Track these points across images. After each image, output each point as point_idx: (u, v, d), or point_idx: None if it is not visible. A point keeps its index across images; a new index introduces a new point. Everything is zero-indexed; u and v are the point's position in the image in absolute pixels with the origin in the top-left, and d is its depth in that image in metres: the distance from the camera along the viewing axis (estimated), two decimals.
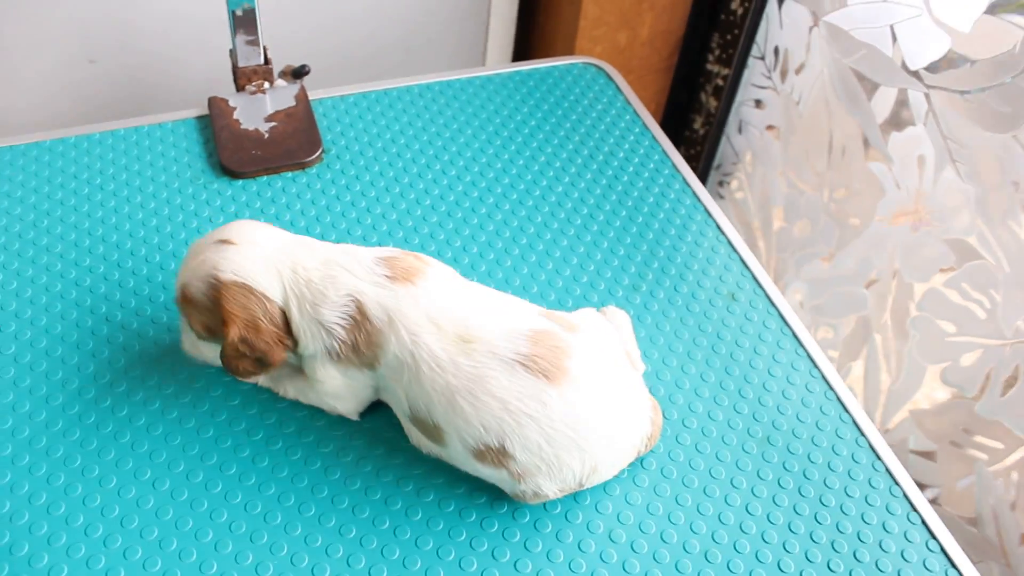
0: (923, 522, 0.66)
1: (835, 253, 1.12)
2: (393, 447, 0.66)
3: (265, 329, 0.61)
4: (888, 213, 1.02)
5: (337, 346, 0.62)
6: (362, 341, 0.61)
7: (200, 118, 0.91)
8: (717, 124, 1.25)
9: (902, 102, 0.98)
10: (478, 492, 0.64)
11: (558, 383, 0.58)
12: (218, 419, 0.66)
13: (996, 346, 0.92)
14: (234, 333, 0.60)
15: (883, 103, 1.00)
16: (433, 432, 0.61)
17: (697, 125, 1.30)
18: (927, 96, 0.94)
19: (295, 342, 0.62)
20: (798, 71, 1.11)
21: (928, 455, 1.02)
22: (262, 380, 0.69)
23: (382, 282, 0.61)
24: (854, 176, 1.06)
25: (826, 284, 1.14)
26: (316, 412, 0.68)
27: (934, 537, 0.65)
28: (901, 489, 0.68)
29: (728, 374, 0.74)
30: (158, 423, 0.66)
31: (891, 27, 0.96)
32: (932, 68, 0.93)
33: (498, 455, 0.59)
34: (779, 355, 0.76)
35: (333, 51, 1.16)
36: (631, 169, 0.90)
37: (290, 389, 0.68)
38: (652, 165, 0.91)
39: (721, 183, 1.31)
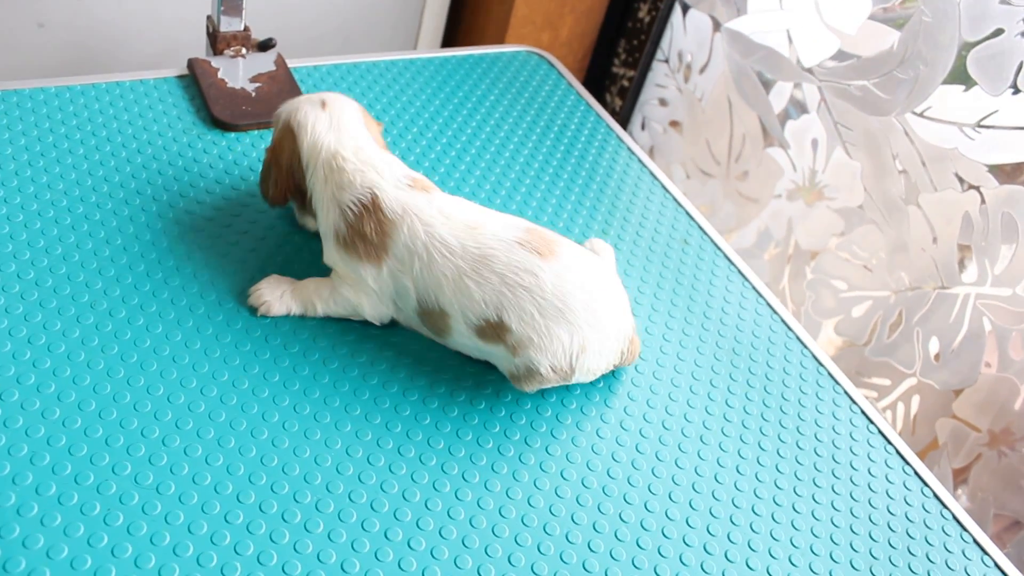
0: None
1: (735, 231, 1.28)
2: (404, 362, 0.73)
3: (283, 168, 0.74)
4: (785, 191, 1.19)
5: (345, 229, 0.70)
6: (371, 229, 0.69)
7: (180, 77, 0.93)
8: (621, 122, 1.39)
9: (797, 94, 1.15)
10: (477, 398, 0.72)
11: (549, 259, 0.68)
12: (242, 351, 0.70)
13: (883, 297, 1.10)
14: (267, 155, 0.76)
15: (779, 95, 1.18)
16: (439, 320, 0.70)
17: None
18: (820, 88, 1.11)
19: (313, 213, 0.73)
20: (701, 71, 1.28)
21: None
22: (295, 309, 0.73)
23: (402, 186, 0.71)
24: (754, 161, 1.23)
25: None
26: (342, 335, 0.73)
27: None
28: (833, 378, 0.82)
29: (691, 305, 0.86)
30: (153, 359, 0.69)
31: (787, 31, 1.13)
32: (824, 65, 1.10)
33: (497, 329, 0.68)
34: (731, 288, 0.88)
35: (278, 24, 1.21)
36: (580, 145, 1.01)
37: (319, 306, 0.73)
38: (599, 140, 1.02)
39: None
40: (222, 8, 0.92)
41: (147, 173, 0.82)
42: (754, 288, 0.90)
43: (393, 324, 0.74)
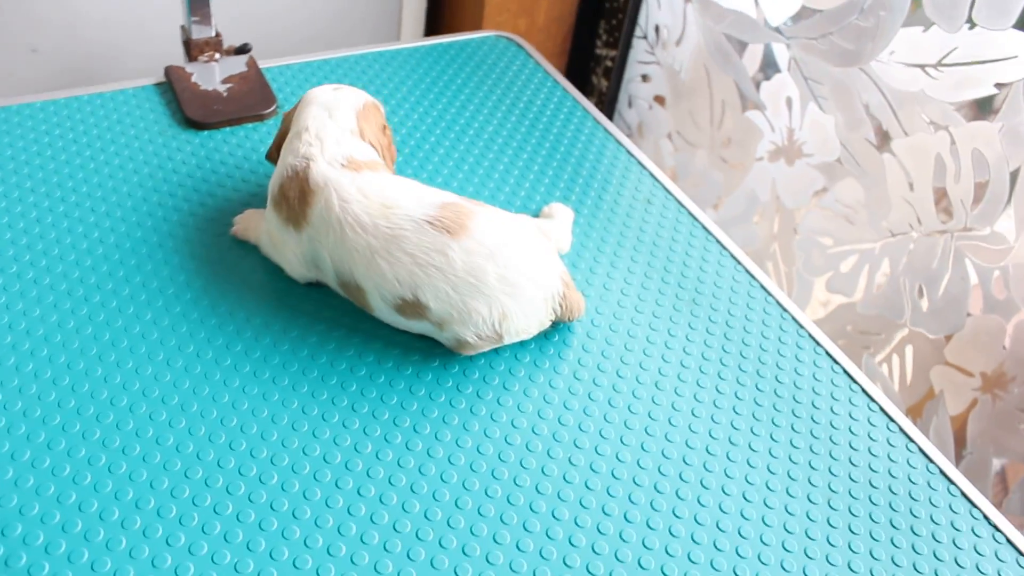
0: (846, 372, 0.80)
1: (723, 199, 1.29)
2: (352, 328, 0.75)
3: (282, 131, 0.81)
4: (766, 153, 1.20)
5: (278, 189, 0.75)
6: (294, 195, 0.73)
7: (158, 85, 0.98)
8: (609, 102, 1.41)
9: (767, 55, 1.16)
10: (429, 358, 0.74)
11: (458, 237, 0.69)
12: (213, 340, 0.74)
13: (868, 248, 1.09)
14: (283, 122, 0.82)
15: (752, 59, 1.18)
16: (358, 294, 0.73)
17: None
18: (788, 46, 1.12)
19: None
20: (677, 43, 1.29)
21: None
22: (251, 240, 0.81)
23: (335, 162, 0.74)
24: (734, 126, 1.23)
25: (720, 226, 1.30)
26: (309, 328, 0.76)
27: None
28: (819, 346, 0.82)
29: (650, 264, 0.87)
30: (145, 361, 0.73)
31: None
32: (789, 23, 1.11)
33: (415, 307, 0.70)
34: (693, 245, 0.90)
35: (263, 30, 1.26)
36: (555, 129, 1.03)
37: (262, 238, 0.79)
38: (573, 121, 1.04)
39: None
40: (193, 18, 0.97)
41: (123, 173, 0.86)
42: (717, 241, 0.90)
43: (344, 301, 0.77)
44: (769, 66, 1.16)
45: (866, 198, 1.07)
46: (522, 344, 0.76)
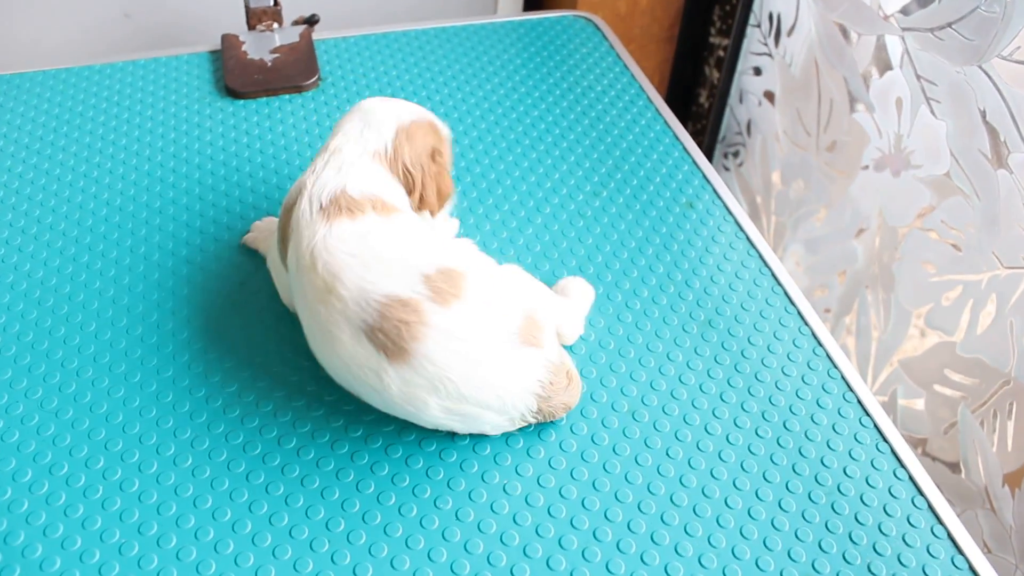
0: (901, 463, 0.66)
1: (827, 209, 1.14)
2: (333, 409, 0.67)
3: None
4: (872, 160, 1.04)
5: (282, 209, 0.67)
6: (284, 226, 0.65)
7: (214, 52, 0.99)
8: (720, 96, 1.29)
9: (881, 49, 1.00)
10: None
11: (396, 361, 0.57)
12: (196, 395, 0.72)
13: (974, 281, 0.92)
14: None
15: (864, 52, 1.03)
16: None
17: (703, 99, 1.34)
18: (902, 39, 0.96)
19: None
20: (789, 33, 1.15)
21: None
22: (251, 241, 0.76)
23: (314, 205, 0.62)
24: (841, 128, 1.09)
25: (819, 242, 1.16)
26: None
27: (920, 492, 0.64)
28: (853, 392, 0.70)
29: (670, 277, 0.77)
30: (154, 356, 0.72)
31: None
32: (905, 11, 0.95)
33: (360, 397, 0.62)
34: (730, 254, 0.79)
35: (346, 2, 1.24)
36: (614, 113, 0.94)
37: (269, 253, 0.74)
38: (636, 111, 0.95)
39: (726, 155, 1.34)
40: None
41: (150, 138, 0.87)
42: (759, 255, 0.79)
43: None
44: (881, 63, 1.01)
45: (975, 221, 0.91)
46: None
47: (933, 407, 0.99)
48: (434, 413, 0.59)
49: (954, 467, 0.97)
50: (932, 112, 0.94)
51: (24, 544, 0.56)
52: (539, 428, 0.64)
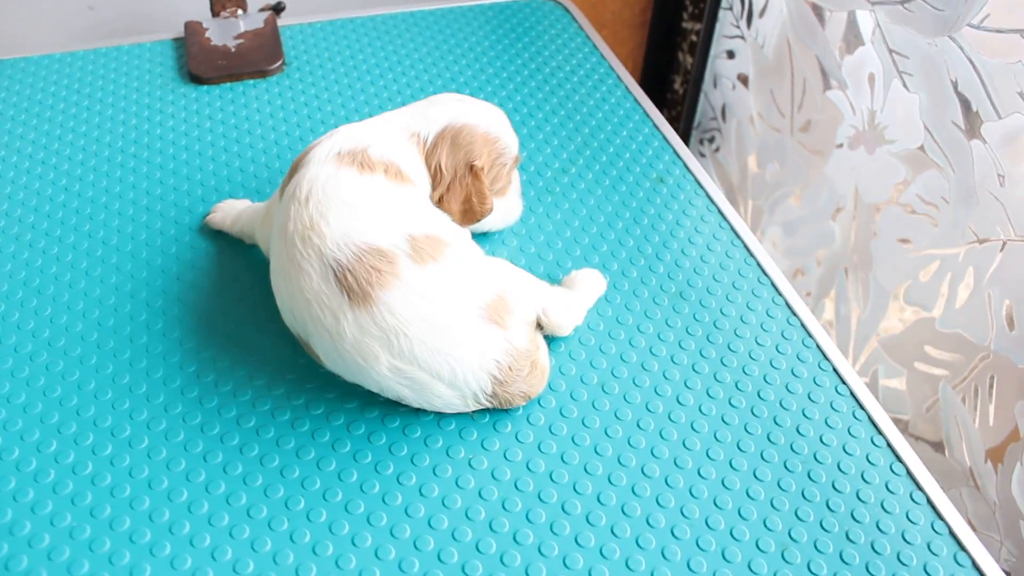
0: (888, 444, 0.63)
1: (803, 190, 1.13)
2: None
3: None
4: (846, 139, 1.03)
5: (292, 167, 0.66)
6: (294, 168, 0.65)
7: (177, 39, 0.97)
8: (694, 82, 1.28)
9: (852, 25, 1.00)
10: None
11: (356, 306, 0.57)
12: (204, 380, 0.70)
13: (951, 255, 0.91)
14: None
15: (835, 30, 1.02)
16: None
17: (677, 85, 1.33)
18: (873, 13, 0.95)
19: None
20: (761, 15, 1.14)
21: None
22: (227, 225, 0.74)
23: (331, 153, 0.63)
24: (815, 107, 1.08)
25: (797, 224, 1.14)
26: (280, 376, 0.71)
27: (899, 460, 0.62)
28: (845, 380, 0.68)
29: (640, 250, 0.76)
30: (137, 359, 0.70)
31: None
32: None
33: (308, 348, 0.60)
34: (702, 227, 0.77)
35: None
36: (583, 92, 0.93)
37: (237, 226, 0.73)
38: (605, 89, 0.94)
39: (702, 141, 1.33)
40: None
41: (111, 124, 0.86)
42: (732, 227, 0.78)
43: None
44: (852, 39, 1.00)
45: (950, 193, 0.90)
46: None
47: (914, 386, 0.98)
48: (383, 371, 0.58)
49: (937, 446, 0.96)
50: (905, 85, 0.93)
51: (27, 571, 0.54)
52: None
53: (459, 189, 0.67)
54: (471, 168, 0.67)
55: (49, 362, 0.63)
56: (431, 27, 1.01)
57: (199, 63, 0.92)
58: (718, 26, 1.23)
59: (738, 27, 1.19)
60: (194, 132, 0.85)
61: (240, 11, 0.98)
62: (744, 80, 1.21)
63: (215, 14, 0.98)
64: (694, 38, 1.26)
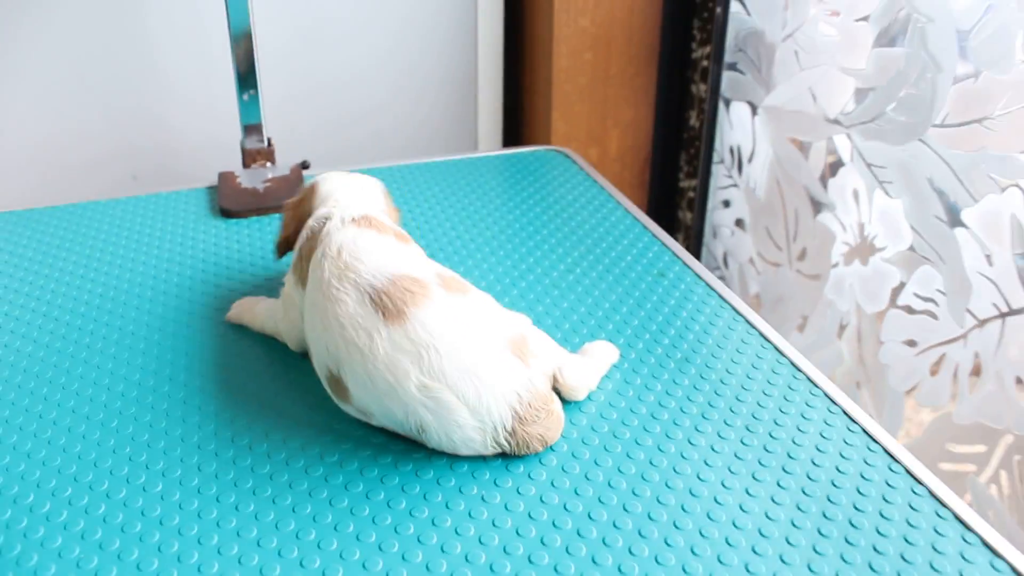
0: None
1: (808, 318, 1.16)
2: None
3: (298, 213, 0.76)
4: (840, 256, 1.08)
5: (298, 251, 0.71)
6: (306, 252, 0.69)
7: (211, 188, 1.06)
8: (696, 236, 1.35)
9: (831, 152, 1.08)
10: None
11: (391, 322, 0.59)
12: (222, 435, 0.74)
13: (955, 344, 0.93)
14: (285, 210, 0.79)
15: (817, 159, 1.10)
16: (312, 359, 0.67)
17: (680, 241, 1.40)
18: (848, 136, 1.04)
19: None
20: (750, 160, 1.23)
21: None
22: (235, 317, 0.78)
23: (346, 219, 0.68)
24: (808, 234, 1.13)
25: (807, 353, 1.16)
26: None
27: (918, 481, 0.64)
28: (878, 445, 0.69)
29: (700, 381, 0.78)
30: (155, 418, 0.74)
31: (810, 89, 1.09)
32: (846, 110, 1.04)
33: (339, 385, 0.62)
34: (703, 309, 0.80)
35: (339, 143, 1.35)
36: (592, 226, 0.99)
37: (258, 315, 0.76)
38: (614, 219, 1.00)
39: None
40: (245, 132, 1.07)
41: (153, 250, 0.92)
42: (732, 307, 0.80)
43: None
44: (833, 164, 1.08)
45: (945, 284, 0.93)
46: None
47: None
48: (411, 390, 0.58)
49: None
50: (887, 193, 0.99)
51: None
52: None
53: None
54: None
55: (100, 439, 0.65)
56: (447, 176, 1.10)
57: (230, 200, 1.00)
58: (712, 180, 1.32)
59: (730, 176, 1.29)
60: (223, 254, 0.91)
61: (269, 163, 1.08)
62: (740, 224, 1.28)
63: (246, 166, 1.08)
64: (691, 195, 1.35)
